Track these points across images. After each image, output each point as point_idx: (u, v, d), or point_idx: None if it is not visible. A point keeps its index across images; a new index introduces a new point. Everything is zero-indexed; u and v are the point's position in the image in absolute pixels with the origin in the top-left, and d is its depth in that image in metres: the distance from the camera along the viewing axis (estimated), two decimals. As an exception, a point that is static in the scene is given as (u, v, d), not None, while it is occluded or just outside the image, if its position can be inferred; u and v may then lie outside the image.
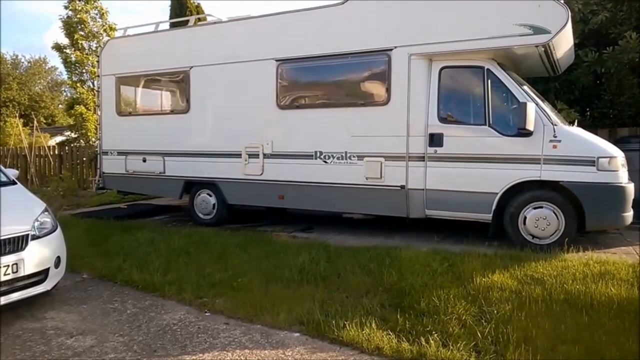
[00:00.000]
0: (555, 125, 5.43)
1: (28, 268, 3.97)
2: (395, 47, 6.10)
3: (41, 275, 4.14)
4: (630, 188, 5.37)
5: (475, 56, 5.80)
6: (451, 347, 3.24)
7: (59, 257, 4.37)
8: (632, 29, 7.97)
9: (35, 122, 15.92)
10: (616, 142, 6.26)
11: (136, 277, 4.95)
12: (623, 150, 5.59)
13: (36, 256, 4.07)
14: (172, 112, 8.28)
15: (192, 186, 7.93)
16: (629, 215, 5.38)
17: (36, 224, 4.24)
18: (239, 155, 7.26)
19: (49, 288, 4.26)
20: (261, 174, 7.13)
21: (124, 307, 4.30)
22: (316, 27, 6.77)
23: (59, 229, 4.54)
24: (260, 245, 5.99)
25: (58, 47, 15.12)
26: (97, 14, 15.28)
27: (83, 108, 14.75)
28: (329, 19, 6.69)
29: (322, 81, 6.94)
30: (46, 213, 4.52)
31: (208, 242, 6.18)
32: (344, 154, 6.50)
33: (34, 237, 4.12)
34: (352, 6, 6.41)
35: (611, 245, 5.74)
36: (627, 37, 7.85)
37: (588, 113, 8.95)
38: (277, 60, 6.93)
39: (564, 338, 3.28)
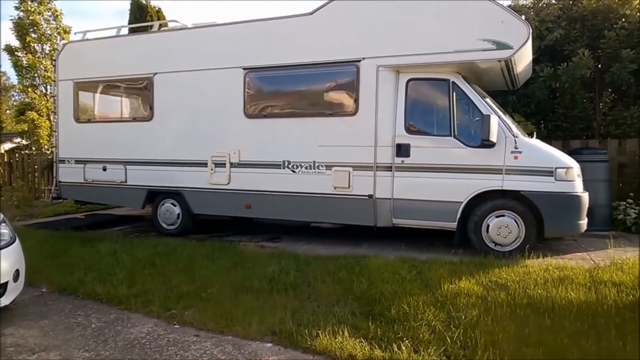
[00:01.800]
0: (516, 137, 5.66)
1: (-15, 282, 3.78)
2: (364, 58, 6.21)
3: (-1, 290, 3.94)
4: (585, 197, 5.67)
5: (441, 69, 5.98)
6: (422, 353, 3.30)
7: (17, 271, 4.18)
8: (584, 47, 8.43)
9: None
10: (569, 153, 6.59)
11: (99, 290, 4.78)
12: (576, 161, 5.89)
13: (-6, 269, 3.88)
14: (134, 119, 8.08)
15: (155, 196, 7.75)
16: (584, 223, 5.68)
17: (-7, 235, 4.04)
18: (205, 164, 7.16)
19: (7, 303, 4.07)
20: (228, 183, 7.05)
21: (88, 322, 4.14)
22: (285, 36, 6.79)
23: (17, 240, 4.35)
24: (228, 255, 5.91)
25: (9, 50, 14.47)
26: (50, 16, 14.74)
27: (35, 114, 14.14)
28: (298, 29, 6.73)
29: (291, 91, 6.96)
30: (4, 224, 4.32)
31: (174, 253, 6.05)
32: (312, 164, 6.53)
33: (-8, 250, 3.92)
34: (320, 17, 6.48)
35: (567, 252, 6.02)
36: (580, 53, 8.28)
37: (543, 125, 9.37)
38: (244, 69, 6.91)
39: (529, 341, 3.41)
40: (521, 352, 3.26)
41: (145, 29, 8.78)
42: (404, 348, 3.35)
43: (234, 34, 7.09)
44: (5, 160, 13.79)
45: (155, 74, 7.53)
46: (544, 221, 5.57)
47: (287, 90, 6.98)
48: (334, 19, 6.45)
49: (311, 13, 6.53)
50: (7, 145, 18.75)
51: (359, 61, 6.24)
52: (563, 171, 5.55)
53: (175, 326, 4.02)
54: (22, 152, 14.38)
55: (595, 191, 6.41)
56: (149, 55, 7.69)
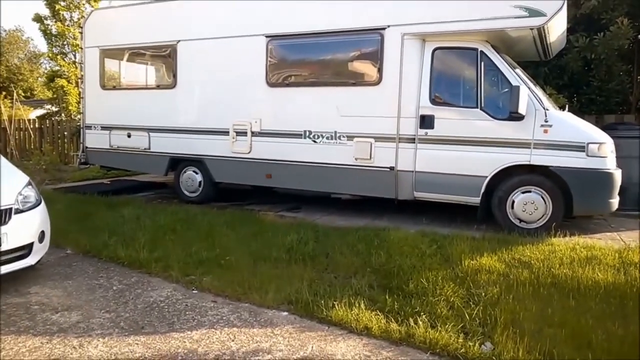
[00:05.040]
0: (547, 109, 5.43)
1: (11, 242, 3.88)
2: (389, 26, 6.00)
3: (25, 250, 4.05)
4: (618, 174, 5.42)
5: (469, 37, 5.73)
6: (439, 328, 3.25)
7: (42, 232, 4.28)
8: (623, 15, 7.93)
9: (15, 94, 15.44)
10: (603, 128, 6.29)
11: (122, 253, 4.87)
12: (611, 137, 5.63)
13: (20, 230, 3.98)
14: (158, 87, 8.10)
15: (178, 163, 7.80)
16: (615, 201, 5.45)
17: (19, 197, 4.12)
18: (226, 133, 7.14)
19: (32, 263, 4.18)
20: (249, 152, 7.03)
21: (110, 284, 4.24)
22: (308, 3, 6.60)
23: (42, 203, 4.44)
24: (248, 224, 5.94)
25: (38, 18, 14.59)
26: (80, -17, 14.74)
27: (64, 81, 14.32)
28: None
29: (313, 59, 6.81)
30: (30, 187, 4.40)
31: (194, 220, 6.11)
32: (333, 134, 6.44)
33: (18, 211, 4.02)
34: (345, -17, 6.26)
35: (596, 231, 5.82)
36: (618, 23, 7.82)
37: (576, 99, 8.99)
38: (267, 37, 6.78)
39: (551, 321, 3.32)
40: (542, 332, 3.18)
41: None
42: (420, 323, 3.30)
43: (256, 2, 6.92)
44: (37, 126, 14.09)
45: (179, 41, 7.48)
46: (572, 198, 5.37)
47: (310, 58, 6.84)
48: (359, -16, 6.21)
49: (336, -21, 6.31)
50: (39, 112, 19.16)
51: (384, 29, 6.04)
52: (595, 147, 5.31)
53: (194, 291, 4.07)
54: (52, 118, 14.66)
55: (629, 169, 6.13)
56: (173, 22, 7.61)
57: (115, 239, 5.28)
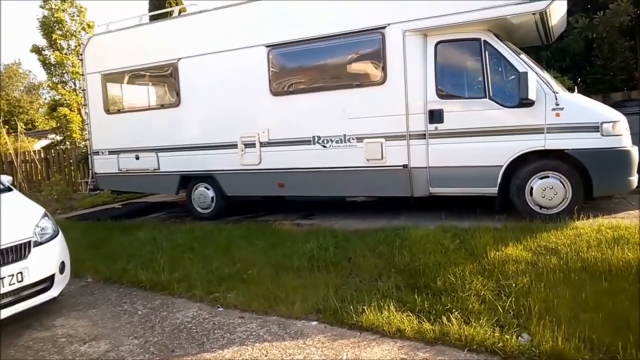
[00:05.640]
0: (557, 93, 5.35)
1: (33, 276, 3.86)
2: (389, 24, 5.96)
3: (47, 282, 4.03)
4: (635, 151, 5.33)
5: (471, 28, 5.67)
6: (473, 324, 3.21)
7: (63, 262, 4.25)
8: (622, -8, 7.87)
9: (19, 127, 15.54)
10: (612, 106, 6.20)
11: (142, 277, 4.85)
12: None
13: (40, 263, 3.96)
14: (162, 106, 8.08)
15: (188, 181, 7.78)
16: (635, 179, 5.35)
17: (37, 229, 4.10)
18: (235, 146, 7.11)
19: (55, 295, 4.15)
20: (259, 163, 6.99)
21: (134, 309, 4.21)
22: (306, 9, 6.57)
23: (60, 233, 4.42)
24: (265, 235, 5.90)
25: (36, 50, 14.73)
26: (74, 12, 14.88)
27: (66, 109, 14.44)
28: (318, 1, 6.48)
29: (315, 64, 6.78)
30: (46, 218, 4.38)
31: (211, 236, 6.08)
32: (342, 137, 6.39)
33: (37, 244, 3.99)
34: (341, -15, 6.24)
35: (618, 211, 5.73)
36: (617, 0, 7.76)
37: (579, 80, 8.90)
38: (267, 46, 6.76)
39: (586, 306, 3.27)
40: (578, 318, 3.12)
41: (165, 16, 8.71)
42: (453, 320, 3.25)
43: (254, 12, 6.91)
44: (42, 156, 14.16)
45: (179, 59, 7.48)
46: (592, 180, 5.28)
47: (312, 64, 6.80)
48: (356, -15, 6.19)
49: (332, -17, 6.29)
50: (43, 142, 19.26)
51: (384, 28, 6.00)
52: (610, 125, 5.22)
53: (219, 309, 4.04)
54: (57, 147, 14.74)
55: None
56: (172, 41, 7.62)
57: (134, 263, 5.27)
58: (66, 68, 14.67)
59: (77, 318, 4.11)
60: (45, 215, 4.41)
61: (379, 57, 6.10)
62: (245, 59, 6.94)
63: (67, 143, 14.76)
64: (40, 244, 4.04)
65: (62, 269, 4.21)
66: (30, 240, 3.94)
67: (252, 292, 4.17)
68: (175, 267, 5.02)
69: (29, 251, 3.89)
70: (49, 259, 4.08)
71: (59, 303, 4.39)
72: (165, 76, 7.91)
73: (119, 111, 8.36)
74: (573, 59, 8.77)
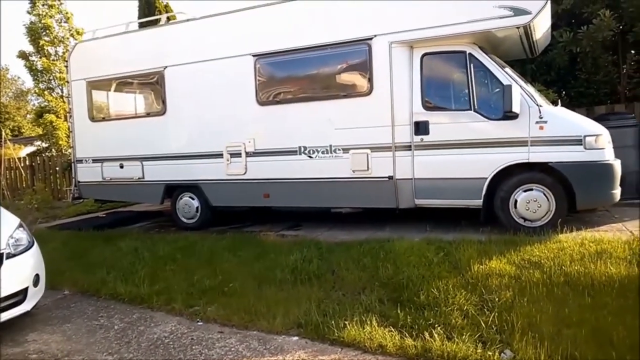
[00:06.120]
0: (540, 106, 5.38)
1: (5, 289, 3.73)
2: (375, 35, 5.98)
3: (19, 296, 3.90)
4: (618, 165, 5.37)
5: (456, 41, 5.70)
6: (456, 340, 3.16)
7: (37, 275, 4.13)
8: (605, 7, 7.97)
9: (3, 133, 15.30)
10: (595, 120, 6.25)
11: (121, 289, 4.73)
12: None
13: (13, 276, 3.83)
14: (148, 114, 8.00)
15: (173, 190, 7.68)
16: (618, 192, 5.39)
17: (11, 241, 3.99)
18: (220, 156, 7.05)
19: (28, 309, 4.02)
20: (244, 173, 6.93)
21: (111, 323, 4.10)
22: (293, 19, 6.57)
23: (35, 244, 4.30)
24: (249, 246, 5.82)
25: (23, 55, 14.56)
26: (62, 18, 14.75)
27: (53, 116, 14.25)
28: (306, 11, 6.50)
29: (302, 74, 6.75)
30: (21, 229, 4.27)
31: (195, 247, 5.99)
32: (328, 148, 6.36)
33: (9, 256, 3.88)
34: (328, -4, 6.24)
35: (601, 223, 5.75)
36: (600, 15, 7.86)
37: (564, 93, 8.99)
38: (254, 56, 6.73)
39: (569, 321, 3.23)
40: (562, 334, 3.09)
41: (153, 24, 8.66)
42: (436, 335, 3.20)
43: (241, 21, 6.89)
44: (27, 163, 13.95)
45: (166, 67, 7.42)
46: (575, 193, 5.31)
47: (299, 74, 6.78)
48: (342, -4, 6.20)
49: (318, -7, 6.30)
50: (29, 149, 19.00)
51: (371, 39, 6.01)
52: (592, 139, 5.26)
53: (199, 323, 3.95)
54: (43, 154, 14.54)
55: (625, 158, 6.05)
56: (158, 49, 7.57)
57: (114, 275, 5.15)
58: (53, 74, 14.51)
59: (51, 333, 3.99)
60: (20, 225, 4.29)
61: (365, 68, 6.10)
62: (232, 68, 6.91)
63: (53, 150, 14.56)
64: (14, 255, 3.92)
65: (36, 282, 4.09)
66: (2, 252, 3.82)
67: (233, 306, 4.09)
68: (156, 279, 4.92)
69: (1, 263, 3.77)
70: (22, 272, 3.97)
71: (33, 317, 4.26)
72: (151, 84, 7.85)
73: (103, 119, 8.26)
74: (558, 72, 8.86)
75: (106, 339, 3.77)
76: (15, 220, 4.36)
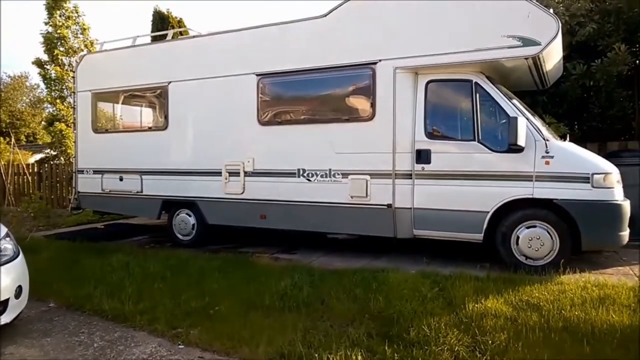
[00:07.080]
0: (547, 140, 5.23)
1: (-16, 300, 3.62)
2: (380, 60, 5.91)
3: None
4: (627, 205, 5.17)
5: (462, 69, 5.61)
6: (444, 383, 2.97)
7: (20, 287, 4.01)
8: (620, 41, 7.86)
9: (12, 139, 15.44)
10: (606, 156, 6.08)
11: (106, 305, 4.59)
12: (615, 165, 5.41)
13: (-7, 287, 3.72)
14: (149, 129, 8.01)
15: (170, 206, 7.61)
16: (626, 234, 5.17)
17: (-6, 250, 3.89)
18: (219, 174, 6.98)
19: (8, 321, 3.90)
20: (242, 192, 6.84)
21: (91, 340, 3.96)
22: (298, 40, 6.55)
23: (21, 255, 4.19)
24: (241, 268, 5.68)
25: (38, 63, 14.78)
26: (78, 30, 14.99)
27: (63, 125, 14.36)
28: (311, 32, 6.48)
29: (305, 96, 6.72)
30: (7, 239, 4.17)
31: (186, 266, 5.86)
32: (327, 172, 6.25)
33: (-9, 266, 3.77)
34: (334, 19, 6.22)
35: (608, 265, 5.53)
36: (615, 49, 7.74)
37: (576, 127, 8.82)
38: (257, 75, 6.70)
39: (565, 371, 3.04)
40: (556, 384, 2.89)
41: (160, 38, 8.72)
42: (422, 377, 3.02)
43: (246, 40, 6.90)
44: (35, 170, 14.02)
45: (170, 82, 7.42)
46: (580, 233, 5.11)
47: (301, 95, 6.75)
48: (348, 20, 6.16)
49: (324, 15, 6.27)
50: (39, 156, 19.15)
51: (375, 63, 5.95)
52: (601, 177, 5.08)
53: (180, 346, 3.80)
54: (51, 162, 14.61)
55: (636, 198, 5.88)
56: (163, 64, 7.60)
57: (101, 290, 5.01)
58: (66, 84, 14.68)
59: (29, 347, 3.85)
60: (7, 235, 4.20)
61: (368, 92, 6.03)
62: (235, 86, 6.88)
63: (62, 158, 14.64)
64: (-4, 266, 3.83)
65: (18, 294, 3.98)
66: (-16, 263, 3.73)
67: (217, 330, 3.93)
68: (142, 297, 4.78)
69: (-18, 274, 3.68)
70: (4, 283, 3.84)
71: (14, 329, 4.13)
72: (155, 99, 7.87)
73: (106, 131, 8.27)
74: (570, 105, 8.70)
75: (84, 357, 3.63)
76: (2, 229, 4.27)
